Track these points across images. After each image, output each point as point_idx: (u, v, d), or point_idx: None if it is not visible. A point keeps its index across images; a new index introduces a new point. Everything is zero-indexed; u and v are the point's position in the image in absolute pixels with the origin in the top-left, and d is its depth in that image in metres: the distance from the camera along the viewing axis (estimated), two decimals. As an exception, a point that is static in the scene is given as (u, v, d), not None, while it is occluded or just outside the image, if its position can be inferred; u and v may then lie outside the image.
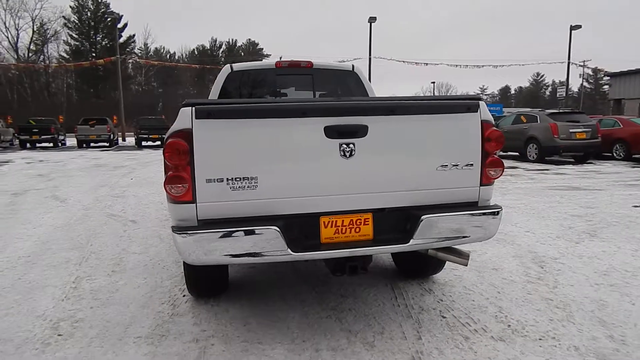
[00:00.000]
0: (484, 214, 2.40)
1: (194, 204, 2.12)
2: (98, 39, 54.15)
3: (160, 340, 2.49)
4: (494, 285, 3.23)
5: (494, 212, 2.42)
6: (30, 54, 52.15)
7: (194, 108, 2.08)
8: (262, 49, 66.90)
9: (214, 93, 3.97)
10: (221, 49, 65.41)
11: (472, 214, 2.38)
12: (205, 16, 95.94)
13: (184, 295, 3.10)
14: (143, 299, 3.09)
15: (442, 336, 2.48)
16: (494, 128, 2.42)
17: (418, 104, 2.38)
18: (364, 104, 2.32)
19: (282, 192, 2.20)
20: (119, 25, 54.73)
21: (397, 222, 2.35)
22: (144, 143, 23.22)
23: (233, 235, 2.08)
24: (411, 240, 2.28)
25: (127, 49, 55.37)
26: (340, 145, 2.20)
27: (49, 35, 52.62)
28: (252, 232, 2.09)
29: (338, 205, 2.28)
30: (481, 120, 2.38)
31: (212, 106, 2.13)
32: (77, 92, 54.95)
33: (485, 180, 2.44)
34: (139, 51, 60.26)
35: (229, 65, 4.08)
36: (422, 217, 2.27)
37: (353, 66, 4.23)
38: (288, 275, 3.50)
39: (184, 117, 2.07)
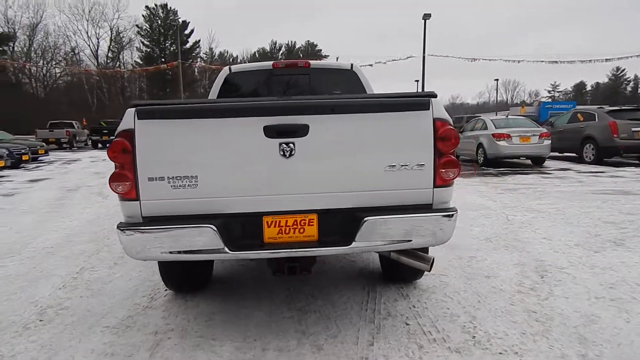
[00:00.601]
0: (433, 217, 2.27)
1: (138, 202, 2.21)
2: (167, 44, 57.47)
3: (125, 331, 2.63)
4: (479, 293, 3.04)
5: (446, 215, 2.28)
6: (108, 61, 56.58)
7: (135, 109, 2.17)
8: (321, 50, 67.52)
9: (212, 94, 4.09)
10: (280, 51, 66.90)
11: (418, 217, 2.26)
12: (266, 19, 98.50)
13: (165, 290, 3.22)
14: (129, 291, 3.26)
15: (396, 344, 2.39)
16: (449, 127, 2.28)
17: (361, 102, 2.30)
18: (304, 103, 2.28)
19: (222, 191, 2.23)
20: (186, 32, 58.04)
21: (342, 224, 2.29)
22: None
23: (169, 233, 2.15)
24: (353, 243, 2.22)
25: (193, 54, 58.40)
26: (280, 144, 2.19)
27: (124, 43, 56.90)
28: (187, 229, 2.14)
29: (281, 205, 2.26)
30: (433, 119, 2.25)
31: (152, 107, 2.21)
32: (149, 96, 58.74)
33: (440, 182, 2.30)
34: (205, 55, 63.25)
35: (227, 67, 4.19)
36: (364, 219, 2.20)
37: (352, 65, 4.17)
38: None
39: (128, 118, 2.17)
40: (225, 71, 4.15)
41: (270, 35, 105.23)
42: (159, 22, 56.84)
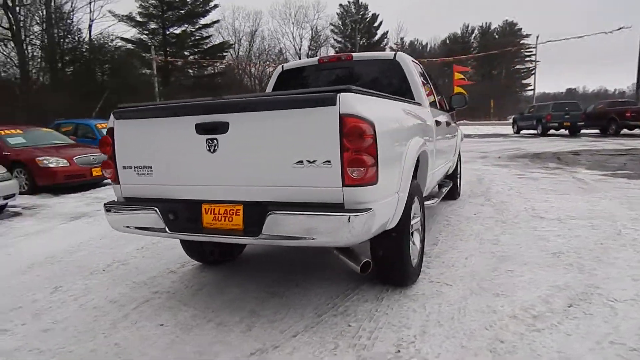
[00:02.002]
0: (335, 216, 2.17)
1: (119, 185, 2.79)
2: (358, 38, 60.42)
3: (140, 286, 3.31)
4: (462, 310, 2.68)
5: (354, 215, 2.15)
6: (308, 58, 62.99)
7: (113, 111, 2.73)
8: (521, 29, 60.59)
9: (267, 90, 4.49)
10: (473, 35, 62.74)
11: (318, 216, 2.20)
12: (457, 2, 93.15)
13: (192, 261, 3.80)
14: (176, 257, 3.96)
15: (317, 339, 2.39)
16: (360, 123, 2.13)
17: (271, 99, 2.34)
18: (224, 102, 2.45)
19: (169, 180, 2.62)
20: (375, 24, 59.98)
21: (258, 216, 2.41)
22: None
23: (128, 213, 2.66)
24: (260, 235, 2.32)
25: (381, 45, 59.95)
26: (207, 140, 2.44)
27: (321, 41, 62.44)
28: (137, 210, 2.62)
29: (215, 195, 2.52)
30: (340, 114, 2.15)
31: (123, 109, 2.73)
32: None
33: (350, 181, 2.18)
34: (395, 45, 64.12)
35: (280, 65, 4.51)
36: (268, 213, 2.28)
37: (395, 54, 3.97)
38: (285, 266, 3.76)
39: (111, 118, 2.76)
40: (278, 69, 4.49)
41: (462, 19, 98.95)
42: (358, 18, 60.10)
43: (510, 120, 25.84)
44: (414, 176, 3.20)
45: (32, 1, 26.54)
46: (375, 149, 2.20)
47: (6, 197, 6.17)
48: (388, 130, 2.39)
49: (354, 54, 4.17)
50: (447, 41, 63.78)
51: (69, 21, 26.89)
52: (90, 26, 29.41)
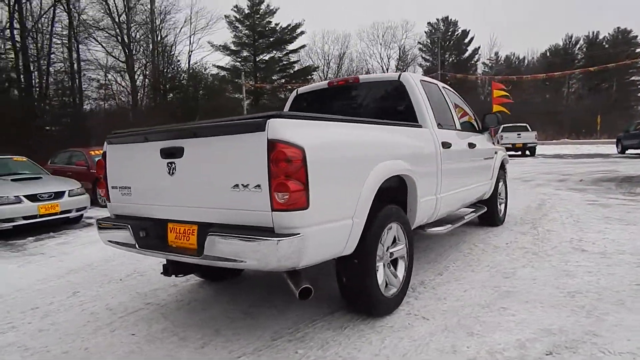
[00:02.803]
0: (261, 241, 2.18)
1: (110, 203, 3.10)
2: (446, 56, 58.90)
3: (143, 297, 3.58)
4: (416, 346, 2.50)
5: (271, 240, 2.15)
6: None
7: (107, 137, 3.05)
8: (636, 36, 54.34)
9: (283, 115, 4.62)
10: (577, 46, 57.63)
11: (243, 240, 2.23)
12: (561, 12, 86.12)
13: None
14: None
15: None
16: (287, 148, 2.14)
17: (212, 125, 2.43)
18: (179, 128, 2.60)
19: (142, 199, 2.85)
20: (465, 40, 57.99)
21: (205, 236, 2.50)
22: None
23: (108, 228, 2.93)
24: (202, 255, 2.42)
25: (472, 62, 57.73)
26: (167, 164, 2.63)
27: (409, 60, 61.85)
28: (116, 227, 2.87)
29: (177, 214, 2.68)
30: (268, 140, 2.18)
31: (112, 135, 3.03)
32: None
33: (277, 206, 2.18)
34: (489, 61, 61.12)
35: (296, 89, 4.63)
36: (208, 234, 2.37)
37: (400, 75, 3.87)
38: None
39: (105, 144, 3.08)
40: (294, 93, 4.61)
41: (564, 29, 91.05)
42: (439, 34, 58.80)
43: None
44: (395, 202, 3.09)
45: (143, 37, 30.23)
46: (305, 174, 2.19)
47: (79, 210, 7.06)
48: (328, 156, 2.35)
49: (360, 77, 4.15)
50: (548, 54, 59.37)
51: (170, 53, 30.08)
52: (189, 56, 32.65)
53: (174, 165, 2.59)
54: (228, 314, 3.14)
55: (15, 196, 6.22)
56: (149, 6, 28.56)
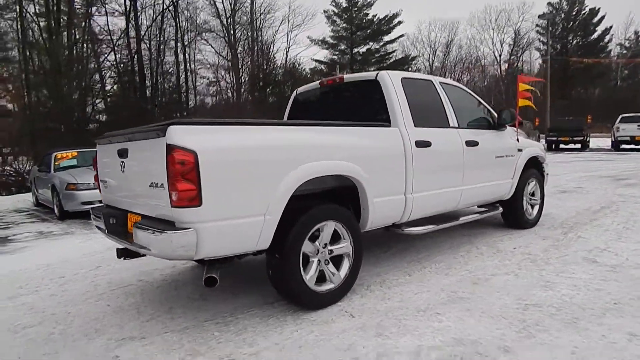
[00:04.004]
0: (156, 232, 2.49)
1: (102, 194, 3.68)
2: (569, 38, 52.70)
3: (147, 276, 4.17)
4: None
5: (165, 233, 2.44)
6: (507, 65, 57.71)
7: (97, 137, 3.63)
8: None
9: (285, 113, 4.86)
10: None
11: (147, 230, 2.56)
12: None
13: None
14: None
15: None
16: (180, 152, 2.41)
17: (137, 130, 2.78)
18: (126, 132, 3.00)
19: (112, 192, 3.36)
20: (594, 20, 51.09)
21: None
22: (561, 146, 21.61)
23: (94, 217, 3.51)
24: (132, 243, 2.82)
25: (601, 44, 50.81)
26: (120, 162, 3.08)
27: (524, 45, 56.45)
28: (96, 215, 3.43)
29: (131, 206, 3.13)
30: (167, 144, 2.46)
31: (98, 138, 3.58)
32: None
33: (174, 203, 2.45)
34: (627, 42, 52.97)
35: (296, 90, 4.81)
36: (134, 225, 2.77)
37: (377, 74, 3.84)
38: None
39: (96, 143, 3.67)
40: (294, 93, 4.81)
41: None
42: (562, 15, 52.74)
43: None
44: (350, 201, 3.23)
45: (245, 37, 32.48)
46: (197, 175, 2.43)
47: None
48: (224, 159, 2.55)
49: (345, 76, 4.20)
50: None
51: (268, 51, 31.87)
52: (287, 52, 34.25)
53: (124, 164, 3.03)
54: (192, 295, 3.53)
55: (94, 183, 7.41)
56: (249, 8, 30.51)
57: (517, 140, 4.98)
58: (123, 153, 3.03)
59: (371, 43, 40.09)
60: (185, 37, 26.60)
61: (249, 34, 31.27)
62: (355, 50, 40.30)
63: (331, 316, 2.95)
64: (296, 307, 3.09)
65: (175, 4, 24.12)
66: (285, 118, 4.78)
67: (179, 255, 2.51)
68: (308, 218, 2.96)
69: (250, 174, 2.66)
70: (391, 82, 3.75)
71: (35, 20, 20.55)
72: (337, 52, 40.75)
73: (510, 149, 4.83)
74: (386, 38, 40.20)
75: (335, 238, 3.20)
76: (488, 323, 2.73)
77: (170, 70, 24.93)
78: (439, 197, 3.97)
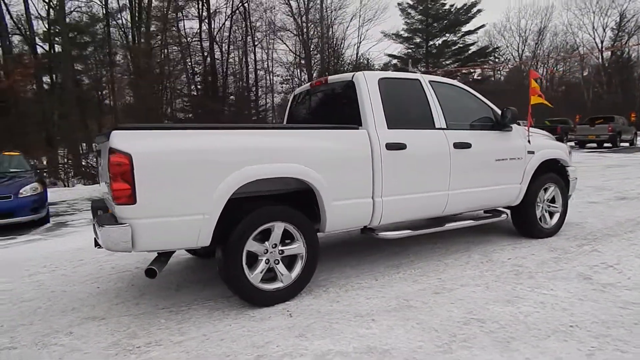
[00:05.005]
0: (100, 225, 2.79)
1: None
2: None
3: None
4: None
5: (105, 227, 2.72)
6: (611, 53, 51.69)
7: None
8: None
9: (285, 115, 4.99)
10: None
11: (98, 224, 2.86)
12: None
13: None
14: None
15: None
16: (117, 154, 2.67)
17: (102, 134, 3.08)
18: (100, 134, 3.33)
19: (102, 188, 3.75)
20: None
21: None
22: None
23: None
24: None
25: None
26: (100, 161, 3.45)
27: (631, 29, 50.19)
28: (90, 208, 3.86)
29: (108, 202, 3.49)
30: (109, 147, 2.74)
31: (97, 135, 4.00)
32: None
33: (115, 200, 2.71)
34: None
35: (295, 89, 4.91)
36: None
37: (353, 75, 3.81)
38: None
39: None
40: (293, 92, 4.92)
41: None
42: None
43: None
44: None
45: (318, 35, 32.95)
46: (132, 176, 2.67)
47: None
48: (160, 161, 2.75)
49: (329, 77, 4.22)
50: None
51: (337, 47, 32.04)
52: (357, 48, 34.18)
53: (100, 162, 3.40)
54: (170, 284, 3.84)
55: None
56: (319, 6, 30.88)
57: (529, 141, 4.61)
58: (98, 153, 3.39)
59: (448, 35, 38.44)
60: (257, 36, 27.74)
61: (321, 30, 31.64)
62: (431, 42, 38.93)
63: (270, 314, 3.05)
64: (245, 303, 3.23)
65: (246, 4, 25.26)
66: (285, 118, 4.92)
67: (117, 247, 2.77)
68: (251, 218, 3.08)
69: (186, 175, 2.85)
70: (365, 83, 3.72)
71: (122, 26, 22.83)
72: (411, 46, 39.72)
73: (516, 151, 4.50)
74: (465, 29, 38.27)
75: (289, 239, 3.28)
76: (414, 334, 2.65)
77: (240, 70, 26.22)
78: (418, 201, 3.86)
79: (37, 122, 15.01)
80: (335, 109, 4.16)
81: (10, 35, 17.18)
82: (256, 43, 27.92)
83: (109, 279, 4.08)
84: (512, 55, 49.51)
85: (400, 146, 3.68)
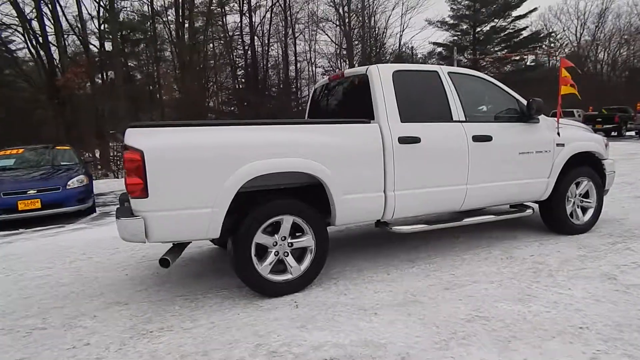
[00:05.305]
0: (116, 217, 2.98)
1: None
2: None
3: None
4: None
5: (121, 219, 2.91)
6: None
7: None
8: None
9: (307, 109, 5.03)
10: None
11: (116, 216, 3.05)
12: None
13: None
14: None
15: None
16: (129, 151, 2.84)
17: (117, 130, 3.25)
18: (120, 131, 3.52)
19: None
20: None
21: None
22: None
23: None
24: (120, 225, 3.37)
25: None
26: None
27: None
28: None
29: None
30: (124, 144, 2.92)
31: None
32: None
33: (130, 195, 2.91)
34: None
35: (315, 83, 4.93)
36: (117, 210, 3.31)
37: (367, 68, 3.79)
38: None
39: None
40: (314, 87, 4.95)
41: None
42: None
43: None
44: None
45: (359, 25, 32.66)
46: (144, 171, 2.83)
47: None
48: (171, 157, 2.89)
49: (345, 71, 4.21)
50: None
51: (378, 37, 31.60)
52: (400, 37, 33.49)
53: (124, 158, 3.60)
54: (190, 273, 4.03)
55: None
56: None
57: (558, 134, 4.39)
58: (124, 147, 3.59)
59: (497, 20, 36.74)
60: (298, 27, 27.89)
61: (362, 20, 31.29)
62: (478, 29, 37.40)
63: (278, 305, 3.15)
64: (255, 293, 3.34)
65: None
66: (307, 112, 4.97)
67: (132, 238, 2.96)
68: (259, 211, 3.18)
69: (195, 170, 2.98)
70: (379, 76, 3.69)
71: (168, 22, 23.65)
72: (457, 33, 38.36)
73: (543, 143, 4.30)
74: (515, 13, 36.41)
75: (300, 232, 3.35)
76: (414, 330, 2.65)
77: (280, 63, 26.49)
78: (433, 195, 3.80)
79: (90, 117, 16.01)
80: (351, 102, 4.16)
81: (65, 36, 18.31)
82: (296, 35, 28.07)
83: (138, 266, 4.34)
84: (569, 39, 46.52)
85: (414, 140, 3.64)
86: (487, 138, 3.97)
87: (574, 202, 4.59)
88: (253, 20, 24.09)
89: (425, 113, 3.84)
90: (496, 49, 37.29)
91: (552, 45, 40.14)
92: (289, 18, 26.51)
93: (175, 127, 3.07)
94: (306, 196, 3.44)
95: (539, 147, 4.28)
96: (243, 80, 24.45)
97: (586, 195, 4.68)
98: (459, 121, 3.92)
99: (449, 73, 4.05)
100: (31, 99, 17.19)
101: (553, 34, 39.16)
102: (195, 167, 2.98)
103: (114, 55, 19.60)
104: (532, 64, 36.51)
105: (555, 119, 4.43)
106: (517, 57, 35.85)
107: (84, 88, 17.56)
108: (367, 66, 3.85)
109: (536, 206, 4.63)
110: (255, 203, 3.22)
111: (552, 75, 33.94)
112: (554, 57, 37.57)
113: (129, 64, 24.07)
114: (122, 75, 19.67)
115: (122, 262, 4.53)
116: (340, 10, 32.87)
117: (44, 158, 8.38)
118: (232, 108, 24.65)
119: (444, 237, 4.65)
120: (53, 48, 17.01)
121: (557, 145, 4.38)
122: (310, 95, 4.95)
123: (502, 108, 4.28)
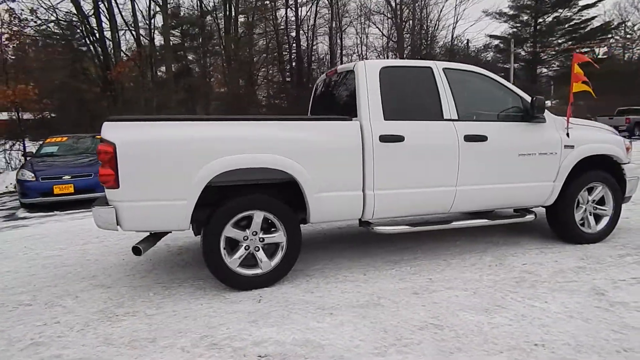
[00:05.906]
0: (94, 206, 3.15)
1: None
2: None
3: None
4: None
5: (95, 208, 3.08)
6: None
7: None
8: None
9: (310, 104, 5.02)
10: None
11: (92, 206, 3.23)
12: None
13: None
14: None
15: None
16: (103, 143, 2.98)
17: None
18: None
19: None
20: None
21: None
22: None
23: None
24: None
25: None
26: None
27: None
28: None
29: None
30: (101, 137, 3.08)
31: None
32: None
33: (103, 185, 3.07)
34: None
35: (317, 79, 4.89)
36: (102, 198, 3.51)
37: (355, 64, 3.71)
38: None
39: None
40: (316, 82, 4.92)
41: None
42: None
43: None
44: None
45: (411, 18, 31.82)
46: (115, 162, 2.98)
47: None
48: (142, 150, 3.00)
49: (338, 67, 4.16)
50: None
51: (428, 29, 30.58)
52: (453, 29, 32.25)
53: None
54: (179, 262, 4.19)
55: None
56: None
57: (567, 134, 4.08)
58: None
59: (561, 10, 34.31)
60: (346, 21, 27.69)
61: (413, 12, 30.49)
62: (540, 20, 35.16)
63: (242, 298, 3.20)
64: (224, 285, 3.41)
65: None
66: (309, 107, 4.97)
67: (106, 227, 3.12)
68: (229, 206, 3.24)
69: (165, 163, 3.08)
70: (364, 72, 3.62)
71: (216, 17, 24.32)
72: (517, 24, 36.28)
73: (549, 145, 4.01)
74: (582, 2, 33.81)
75: (268, 228, 3.38)
76: (360, 333, 2.60)
77: (327, 56, 26.47)
78: (417, 196, 3.68)
79: (140, 110, 16.90)
80: (341, 99, 4.11)
81: (120, 32, 19.43)
82: (344, 28, 27.88)
83: (148, 253, 4.54)
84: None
85: (397, 138, 3.54)
86: (482, 138, 3.78)
87: (585, 209, 4.26)
88: (299, 14, 24.23)
89: (412, 111, 3.71)
90: (559, 40, 34.89)
91: (628, 36, 36.88)
92: (335, 12, 26.39)
93: (149, 121, 3.19)
94: (288, 193, 3.45)
95: (543, 149, 4.00)
96: (288, 74, 24.70)
97: (601, 202, 4.32)
98: (451, 120, 3.75)
99: (444, 69, 3.88)
100: (87, 91, 18.46)
101: (625, 25, 35.93)
102: (165, 161, 3.08)
103: (164, 49, 20.53)
104: (605, 56, 33.91)
105: (565, 118, 4.12)
106: (587, 49, 33.33)
107: (134, 81, 18.59)
108: (355, 62, 3.78)
109: (542, 211, 4.34)
110: (225, 198, 3.28)
111: (628, 69, 31.27)
112: (630, 49, 34.58)
113: (186, 56, 25.12)
114: (171, 68, 20.55)
115: (126, 246, 4.79)
116: (392, 3, 32.23)
117: (83, 146, 8.98)
118: (279, 101, 25.00)
119: (442, 240, 4.49)
120: (108, 43, 18.15)
121: (566, 147, 4.07)
122: (313, 89, 4.93)
123: (503, 106, 4.04)
